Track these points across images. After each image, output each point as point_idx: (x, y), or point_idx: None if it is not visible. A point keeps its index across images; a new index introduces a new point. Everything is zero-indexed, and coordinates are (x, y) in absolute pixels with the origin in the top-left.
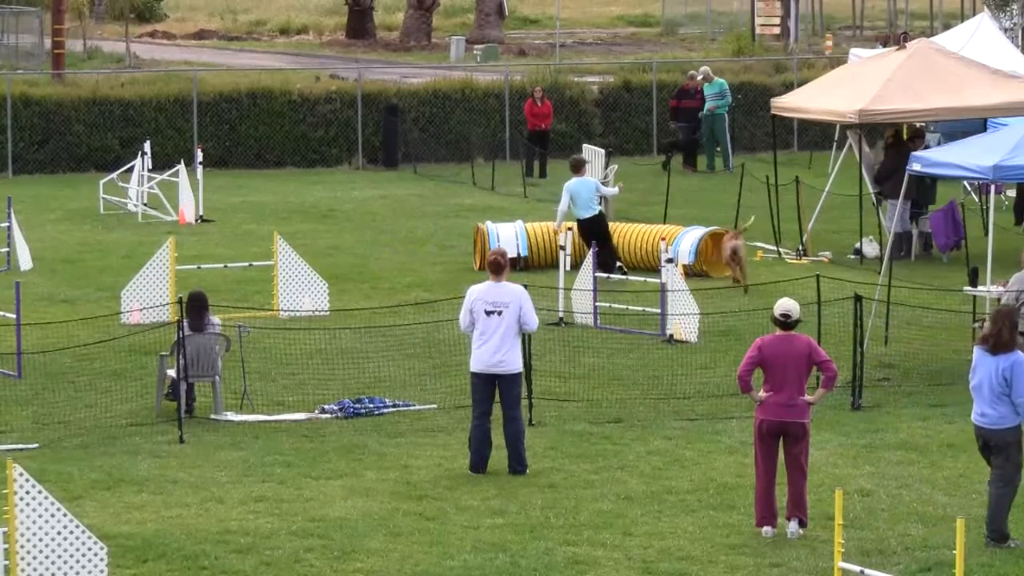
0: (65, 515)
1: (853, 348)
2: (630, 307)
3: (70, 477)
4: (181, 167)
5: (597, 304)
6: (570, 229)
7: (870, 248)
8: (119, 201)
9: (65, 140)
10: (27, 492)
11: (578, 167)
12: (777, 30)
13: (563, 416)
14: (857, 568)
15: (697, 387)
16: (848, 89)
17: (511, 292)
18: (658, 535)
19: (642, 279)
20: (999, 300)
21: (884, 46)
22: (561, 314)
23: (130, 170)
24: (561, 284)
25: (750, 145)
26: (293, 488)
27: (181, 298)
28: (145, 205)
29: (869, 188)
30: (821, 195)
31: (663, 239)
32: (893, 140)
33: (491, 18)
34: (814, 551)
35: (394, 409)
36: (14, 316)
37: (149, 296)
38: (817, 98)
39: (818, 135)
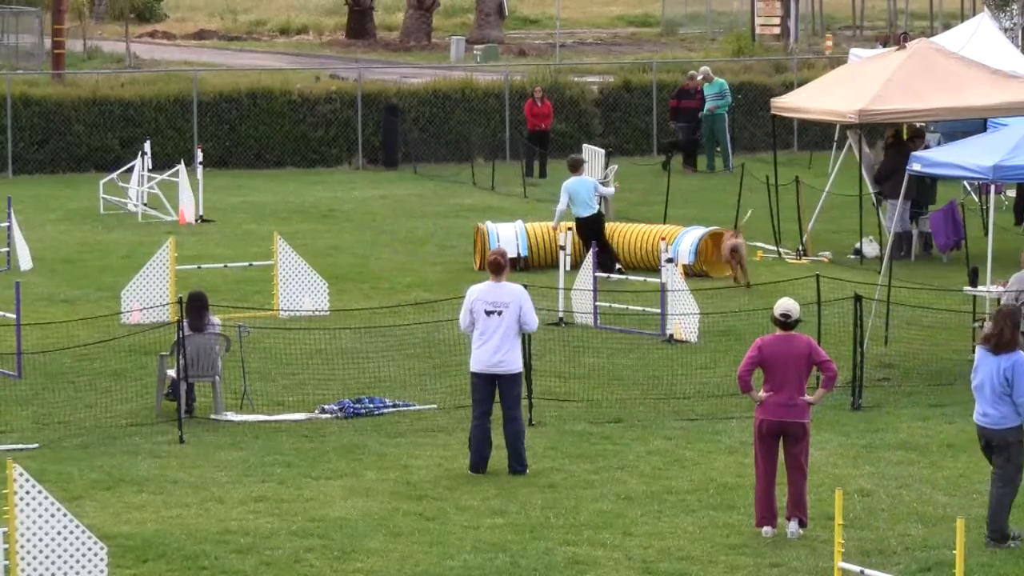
0: (65, 515)
1: (853, 348)
2: (630, 307)
3: (70, 477)
4: (181, 167)
5: (597, 304)
6: (570, 229)
7: (870, 248)
8: (119, 201)
9: (65, 140)
10: (27, 492)
11: (576, 166)
12: (777, 30)
13: (563, 416)
14: (857, 568)
15: (697, 387)
16: (848, 89)
17: (511, 292)
18: (658, 535)
19: (642, 279)
20: (999, 300)
21: (884, 46)
22: (561, 314)
23: (130, 170)
24: (561, 284)
25: (750, 145)
26: (293, 488)
27: (181, 298)
28: (145, 205)
29: (869, 188)
30: (821, 195)
31: (663, 239)
32: (893, 140)
33: (491, 18)
34: (814, 551)
35: (394, 409)
36: (14, 316)
37: (149, 296)
38: (817, 98)
39: (818, 135)
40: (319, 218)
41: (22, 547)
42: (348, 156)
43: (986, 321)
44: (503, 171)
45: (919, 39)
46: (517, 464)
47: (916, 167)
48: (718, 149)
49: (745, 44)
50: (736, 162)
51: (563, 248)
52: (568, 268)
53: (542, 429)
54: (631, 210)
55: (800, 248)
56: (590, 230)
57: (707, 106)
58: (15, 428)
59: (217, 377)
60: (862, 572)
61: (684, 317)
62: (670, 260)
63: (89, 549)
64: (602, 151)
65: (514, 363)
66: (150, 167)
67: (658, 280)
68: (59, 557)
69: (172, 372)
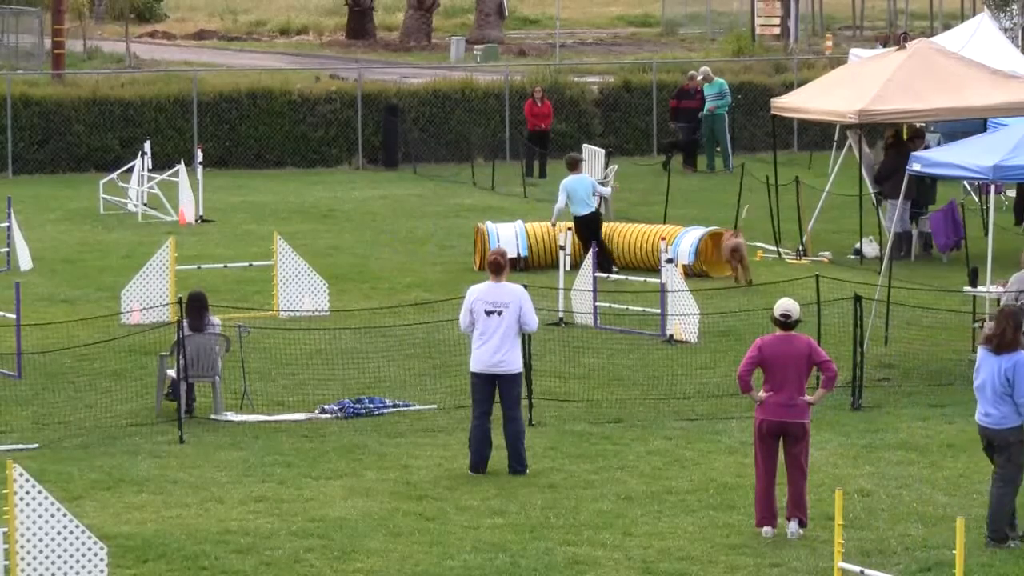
0: (65, 515)
1: (853, 348)
2: (630, 307)
3: (70, 477)
4: (181, 167)
5: (597, 304)
6: (570, 229)
7: (870, 248)
8: (119, 201)
9: (65, 140)
10: (27, 492)
11: (574, 165)
12: (777, 30)
13: (563, 416)
14: (857, 568)
15: (697, 387)
16: (848, 89)
17: (511, 292)
18: (658, 535)
19: (642, 279)
20: (999, 300)
21: (884, 46)
22: (561, 314)
23: (130, 170)
24: (561, 284)
25: (750, 145)
26: (293, 488)
27: (181, 298)
28: (145, 205)
29: (869, 188)
30: (821, 195)
31: (663, 239)
32: (893, 140)
33: (491, 18)
34: (814, 551)
35: (394, 409)
36: (14, 316)
37: (149, 296)
38: (817, 98)
39: (818, 135)
40: (319, 218)
41: (22, 547)
42: (348, 156)
43: (986, 321)
44: (503, 171)
45: (919, 39)
46: (517, 464)
47: (916, 167)
48: (718, 149)
49: (745, 44)
50: (736, 162)
51: (563, 248)
52: (568, 268)
53: (542, 429)
54: (631, 210)
55: (800, 248)
56: (588, 228)
57: (707, 106)
58: (15, 428)
59: (217, 377)
60: (862, 572)
61: (684, 317)
62: (670, 260)
63: (89, 549)
64: (602, 151)
65: (514, 363)
66: (150, 167)
67: (658, 280)
68: (59, 557)
69: (172, 372)
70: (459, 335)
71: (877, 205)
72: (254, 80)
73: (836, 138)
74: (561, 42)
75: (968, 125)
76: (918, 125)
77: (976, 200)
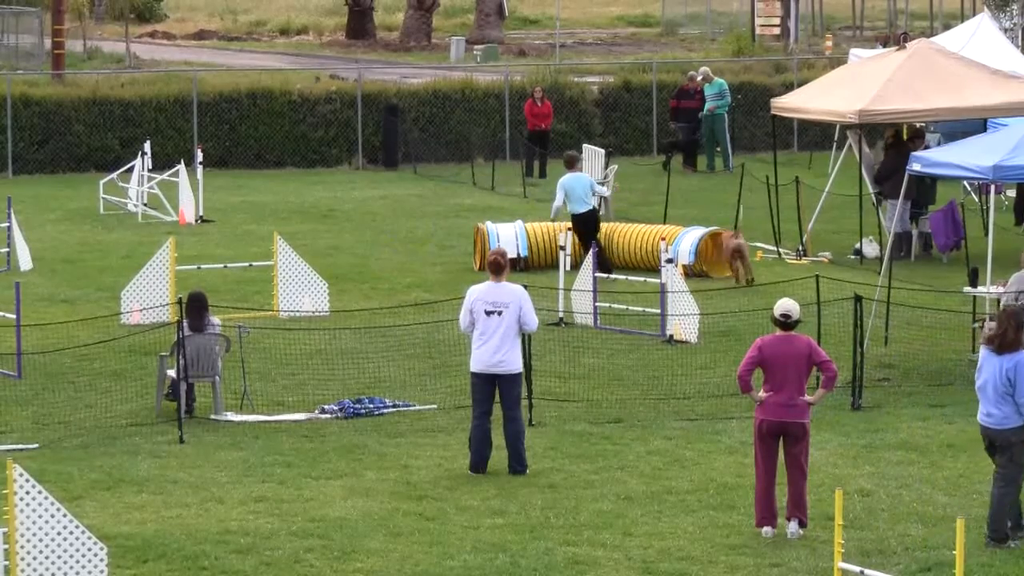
0: (65, 515)
1: (853, 348)
2: (630, 307)
3: (70, 477)
4: (181, 167)
5: (597, 304)
6: (570, 230)
7: (870, 248)
8: (119, 201)
9: (65, 140)
10: (27, 492)
11: (572, 163)
12: (777, 30)
13: (563, 416)
14: (857, 568)
15: (697, 387)
16: (848, 89)
17: (511, 292)
18: (658, 535)
19: (642, 279)
20: (999, 300)
21: (884, 46)
22: (561, 314)
23: (130, 170)
24: (561, 284)
25: (750, 145)
26: (293, 488)
27: (181, 298)
28: (145, 205)
29: (869, 188)
30: (821, 195)
31: (663, 239)
32: (893, 140)
33: (491, 18)
34: (814, 551)
35: (394, 409)
36: (14, 316)
37: (149, 296)
38: (817, 98)
39: (818, 135)
40: (319, 218)
41: (22, 547)
42: (348, 156)
43: (986, 321)
44: (503, 171)
45: (919, 39)
46: (517, 464)
47: (916, 167)
48: (718, 149)
49: (745, 44)
50: (736, 162)
51: (563, 248)
52: (568, 268)
53: (542, 429)
54: (631, 210)
55: (800, 248)
56: (585, 226)
57: (707, 106)
58: (15, 428)
59: (217, 377)
60: (862, 572)
61: (684, 317)
62: (670, 260)
63: (89, 549)
64: (602, 151)
65: (514, 363)
66: (150, 167)
67: (658, 281)
68: (59, 557)
69: (172, 372)
70: (459, 335)
71: (877, 205)
72: (254, 80)
73: (836, 138)
74: (561, 42)
75: (968, 125)
76: (918, 125)
77: (976, 200)
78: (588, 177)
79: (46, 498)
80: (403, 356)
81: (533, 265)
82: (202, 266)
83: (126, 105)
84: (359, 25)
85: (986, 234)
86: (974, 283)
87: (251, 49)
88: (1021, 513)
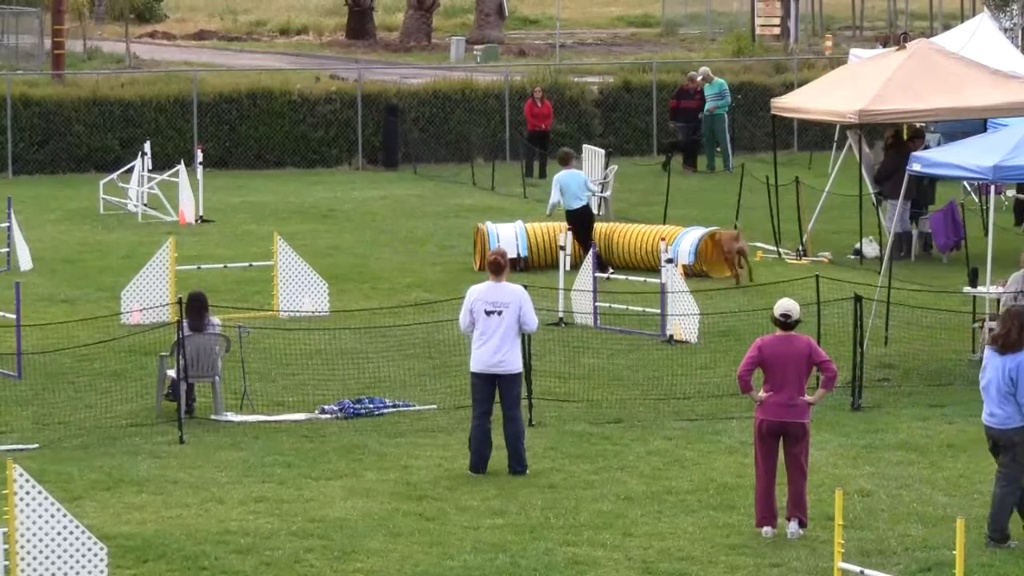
0: (65, 515)
1: (853, 348)
2: (630, 307)
3: (70, 477)
4: (181, 167)
5: (597, 304)
6: (571, 230)
7: (870, 248)
8: (119, 201)
9: (65, 140)
10: (27, 492)
11: (566, 160)
12: (777, 30)
13: (563, 416)
14: (857, 568)
15: (697, 387)
16: (848, 89)
17: (511, 292)
18: (658, 535)
19: (642, 279)
20: (999, 300)
21: (884, 46)
22: (561, 314)
23: (130, 170)
24: (561, 284)
25: (750, 145)
26: (293, 488)
27: (181, 298)
28: (145, 205)
29: (869, 188)
30: (821, 195)
31: (663, 239)
32: (893, 140)
33: (491, 18)
34: (814, 551)
35: (394, 409)
36: (14, 316)
37: (149, 296)
38: (817, 98)
39: (818, 135)
40: (319, 218)
41: (22, 547)
42: (348, 156)
43: (986, 322)
44: (503, 171)
45: (919, 39)
46: (517, 464)
47: (916, 167)
48: (718, 149)
49: (745, 44)
50: (736, 162)
51: (563, 248)
52: (568, 268)
53: (542, 429)
54: (631, 210)
55: (800, 248)
56: (579, 222)
57: (707, 106)
58: (15, 428)
59: (217, 377)
60: (862, 572)
61: (684, 317)
62: (670, 260)
63: (89, 549)
64: (602, 151)
65: (514, 363)
66: (150, 167)
67: (658, 281)
68: (59, 557)
69: (172, 372)
70: (459, 335)
71: (877, 205)
72: (254, 80)
73: (836, 138)
74: (561, 42)
75: (968, 125)
76: (918, 125)
77: (976, 200)
78: (583, 174)
79: (46, 498)
80: (403, 356)
81: (533, 265)
82: (202, 266)
83: (126, 105)
84: (359, 25)
85: (986, 234)
86: (974, 283)
87: (251, 49)
88: None
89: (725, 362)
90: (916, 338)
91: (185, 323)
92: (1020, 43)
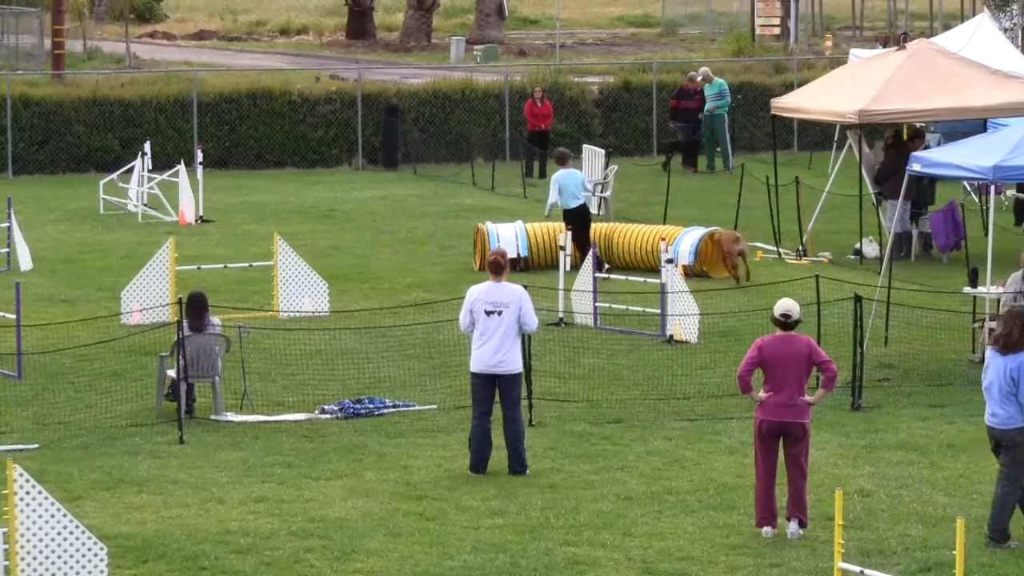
0: (65, 515)
1: (853, 348)
2: (630, 308)
3: (70, 477)
4: (181, 167)
5: (597, 304)
6: (571, 230)
7: (870, 248)
8: (119, 201)
9: (65, 140)
10: (27, 492)
11: (563, 159)
12: (777, 30)
13: (563, 416)
14: (857, 568)
15: (697, 387)
16: (848, 89)
17: (511, 292)
18: (658, 535)
19: (642, 279)
20: (999, 300)
21: (884, 46)
22: (561, 314)
23: (130, 170)
24: (561, 284)
25: (750, 145)
26: (293, 488)
27: (181, 298)
28: (145, 205)
29: (869, 188)
30: (821, 195)
31: (663, 239)
32: (893, 140)
33: (491, 18)
34: (814, 551)
35: (394, 409)
36: (14, 316)
37: (149, 296)
38: (817, 98)
39: (818, 135)
40: (319, 218)
41: (22, 547)
42: (348, 156)
43: (986, 322)
44: (503, 171)
45: (919, 39)
46: (517, 464)
47: (916, 167)
48: (718, 149)
49: (745, 44)
50: (736, 162)
51: (563, 248)
52: (568, 268)
53: (542, 429)
54: (631, 210)
55: (800, 248)
56: (577, 221)
57: (707, 106)
58: (15, 428)
59: (217, 377)
60: (862, 572)
61: (684, 318)
62: (670, 261)
63: (89, 549)
64: (602, 151)
65: (514, 363)
66: (150, 167)
67: (658, 281)
68: (59, 557)
69: (172, 372)
70: (459, 335)
71: (877, 205)
72: (254, 80)
73: (836, 138)
74: (561, 42)
75: (968, 125)
76: (918, 125)
77: (976, 200)
78: (580, 173)
79: (46, 498)
80: (403, 356)
81: (533, 265)
82: (202, 266)
83: (126, 105)
84: (359, 25)
85: (986, 234)
86: (974, 283)
87: (251, 49)
88: None
89: (725, 362)
90: (916, 338)
91: (185, 323)
92: (1020, 43)
